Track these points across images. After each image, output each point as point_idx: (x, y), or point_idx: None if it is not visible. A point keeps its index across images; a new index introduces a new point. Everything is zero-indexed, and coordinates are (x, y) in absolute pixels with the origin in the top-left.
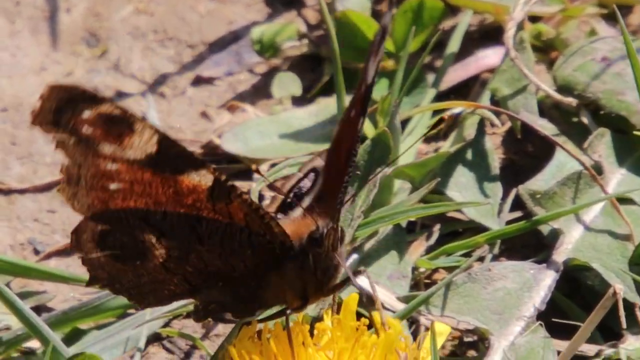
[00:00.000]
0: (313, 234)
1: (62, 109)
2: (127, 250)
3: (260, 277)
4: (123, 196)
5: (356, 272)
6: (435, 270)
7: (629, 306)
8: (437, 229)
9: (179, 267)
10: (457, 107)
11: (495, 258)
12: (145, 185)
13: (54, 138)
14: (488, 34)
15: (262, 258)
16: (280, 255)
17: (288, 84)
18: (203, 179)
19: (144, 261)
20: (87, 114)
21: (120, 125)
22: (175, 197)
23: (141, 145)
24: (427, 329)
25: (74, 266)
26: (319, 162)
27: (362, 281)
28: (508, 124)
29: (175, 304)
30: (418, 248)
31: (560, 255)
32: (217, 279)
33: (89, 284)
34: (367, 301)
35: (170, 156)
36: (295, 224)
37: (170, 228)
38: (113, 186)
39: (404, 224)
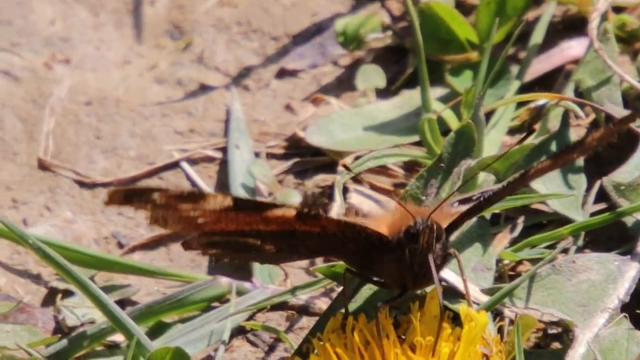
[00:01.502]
0: (410, 228)
1: (131, 197)
2: (238, 247)
3: (365, 262)
4: (212, 225)
5: (447, 255)
6: (520, 262)
7: None
8: (521, 221)
9: (294, 250)
10: (541, 98)
11: (580, 250)
12: (231, 219)
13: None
14: (572, 25)
15: (363, 249)
16: (380, 248)
17: (372, 76)
18: (287, 211)
19: (258, 252)
20: (156, 196)
21: (192, 197)
22: (264, 222)
23: (216, 205)
24: (511, 321)
25: (158, 259)
26: None
27: (450, 275)
28: (592, 116)
29: (258, 297)
30: (502, 240)
31: None
32: (336, 254)
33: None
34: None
35: (247, 206)
36: (396, 215)
37: (268, 237)
38: (200, 220)
39: (488, 216)
